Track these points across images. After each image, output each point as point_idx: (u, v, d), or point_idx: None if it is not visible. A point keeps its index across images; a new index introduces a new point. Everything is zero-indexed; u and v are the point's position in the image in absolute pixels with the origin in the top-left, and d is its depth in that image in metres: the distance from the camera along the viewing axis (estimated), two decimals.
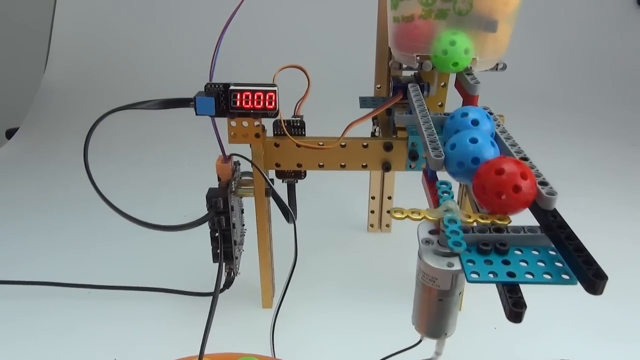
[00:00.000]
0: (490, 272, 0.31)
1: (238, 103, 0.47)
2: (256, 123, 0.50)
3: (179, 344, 0.58)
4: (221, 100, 0.48)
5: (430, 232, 0.36)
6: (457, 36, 0.48)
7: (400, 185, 0.77)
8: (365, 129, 0.64)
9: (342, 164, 0.55)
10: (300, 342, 0.58)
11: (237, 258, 0.57)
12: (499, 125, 0.43)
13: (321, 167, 0.55)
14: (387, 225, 0.81)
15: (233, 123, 0.50)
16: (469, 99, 0.50)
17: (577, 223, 0.86)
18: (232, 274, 0.57)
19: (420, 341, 0.41)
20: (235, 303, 0.64)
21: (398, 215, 0.33)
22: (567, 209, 0.88)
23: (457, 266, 0.33)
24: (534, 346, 0.57)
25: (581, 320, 0.61)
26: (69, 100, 1.44)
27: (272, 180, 0.56)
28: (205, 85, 0.48)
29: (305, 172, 0.57)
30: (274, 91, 0.47)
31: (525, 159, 0.37)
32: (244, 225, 0.63)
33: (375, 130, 0.62)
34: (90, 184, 0.52)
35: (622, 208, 0.88)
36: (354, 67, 1.20)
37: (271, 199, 0.57)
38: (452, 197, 0.34)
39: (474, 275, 0.31)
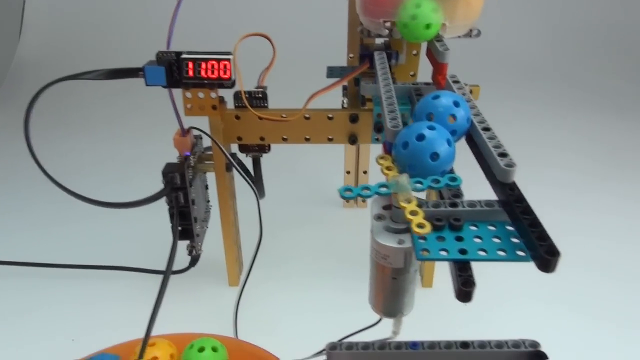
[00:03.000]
0: (441, 249, 0.29)
1: (191, 72, 0.44)
2: (212, 94, 0.47)
3: (142, 324, 0.56)
4: (174, 69, 0.45)
5: (384, 208, 0.34)
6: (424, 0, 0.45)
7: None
8: (335, 100, 0.62)
9: (307, 137, 0.52)
10: (264, 322, 0.56)
11: (198, 235, 0.55)
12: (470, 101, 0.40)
13: (285, 140, 0.53)
14: (364, 201, 0.79)
15: (188, 94, 0.48)
16: (438, 67, 0.48)
17: (557, 196, 0.84)
18: (194, 252, 0.55)
19: (379, 320, 0.40)
20: (202, 281, 0.62)
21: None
22: (547, 183, 0.87)
23: (408, 243, 0.31)
24: (504, 321, 0.56)
25: (551, 294, 0.60)
26: (42, 76, 1.39)
27: (233, 154, 0.54)
28: (157, 54, 0.45)
29: (269, 146, 0.55)
30: (229, 60, 0.44)
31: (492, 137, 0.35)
32: (209, 201, 0.61)
33: (343, 101, 0.60)
34: (48, 164, 0.49)
35: (607, 183, 0.87)
36: (326, 35, 1.16)
37: (236, 174, 0.55)
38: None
39: (424, 253, 0.29)
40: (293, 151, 0.57)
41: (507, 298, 0.59)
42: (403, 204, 0.28)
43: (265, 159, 0.58)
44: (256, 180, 0.59)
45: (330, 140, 0.52)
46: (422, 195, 0.33)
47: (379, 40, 0.58)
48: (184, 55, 0.44)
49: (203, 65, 0.44)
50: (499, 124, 1.17)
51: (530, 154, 0.94)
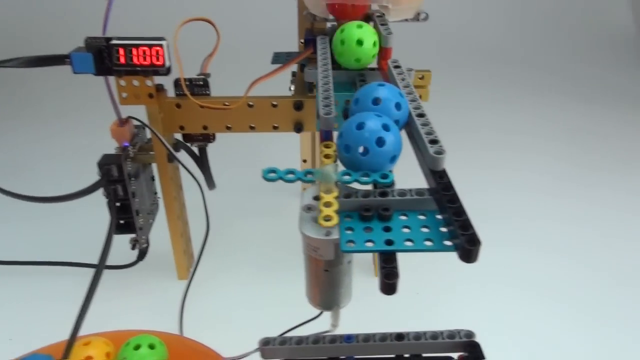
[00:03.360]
0: (368, 240, 0.28)
1: (122, 59, 0.42)
2: (148, 82, 0.45)
3: (85, 321, 0.54)
4: (104, 56, 0.43)
5: (315, 198, 0.33)
6: None
7: None
8: (285, 88, 0.60)
9: (252, 125, 0.51)
10: (212, 316, 0.55)
11: (142, 229, 0.53)
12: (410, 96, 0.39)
13: (229, 129, 0.51)
14: None
15: (122, 82, 0.45)
16: (382, 52, 0.47)
17: (519, 181, 0.83)
18: (138, 246, 0.53)
19: (320, 313, 0.39)
20: (151, 275, 0.60)
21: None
22: (509, 167, 0.87)
23: (336, 235, 0.30)
24: (453, 311, 0.56)
25: (505, 280, 0.61)
26: None
27: (179, 142, 0.52)
28: (85, 40, 0.43)
29: (214, 135, 0.53)
30: (161, 45, 0.42)
31: (426, 123, 0.34)
32: (156, 193, 0.58)
33: (290, 88, 0.58)
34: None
35: (567, 167, 0.87)
36: (278, 20, 1.13)
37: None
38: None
39: (350, 244, 0.28)
40: (252, 139, 0.56)
41: (460, 285, 0.59)
42: (322, 194, 0.27)
43: (221, 148, 0.56)
44: (204, 171, 0.57)
45: (275, 128, 0.51)
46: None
47: (330, 25, 0.56)
48: (114, 41, 0.42)
49: (134, 51, 0.42)
50: (460, 109, 1.17)
51: (492, 139, 0.95)
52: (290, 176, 0.29)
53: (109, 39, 0.42)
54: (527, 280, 0.61)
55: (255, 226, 0.71)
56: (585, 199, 0.77)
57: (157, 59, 0.42)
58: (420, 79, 0.56)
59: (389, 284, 0.26)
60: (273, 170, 0.29)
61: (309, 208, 0.32)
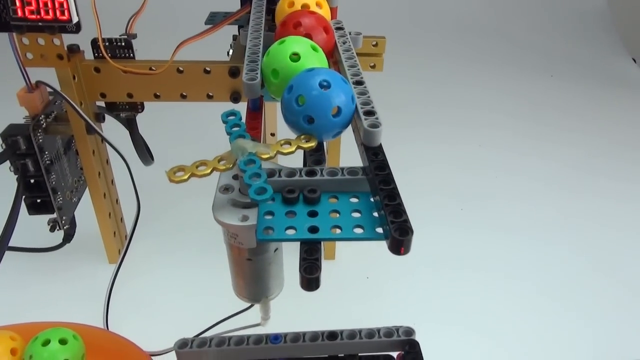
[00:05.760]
0: (289, 227, 0.24)
1: (19, 12, 0.36)
2: (55, 40, 0.39)
3: (1, 310, 0.49)
4: (0, 8, 0.36)
5: (234, 178, 0.28)
6: None
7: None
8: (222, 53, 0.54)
9: (183, 93, 0.45)
10: (140, 304, 0.51)
11: (61, 209, 0.47)
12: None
13: (157, 97, 0.45)
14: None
15: (25, 40, 0.39)
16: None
17: (477, 156, 0.80)
18: (58, 228, 0.48)
19: (251, 306, 0.35)
20: (79, 259, 0.55)
21: (179, 176, 0.24)
22: (461, 141, 0.83)
23: (253, 220, 0.26)
24: (403, 294, 0.54)
25: (461, 262, 0.58)
26: None
27: (97, 113, 0.46)
28: None
29: (142, 104, 0.47)
30: None
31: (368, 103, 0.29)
32: (82, 169, 0.53)
33: (228, 52, 0.53)
34: None
35: (526, 142, 0.85)
36: None
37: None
38: (245, 131, 0.26)
39: (268, 232, 0.24)
40: (205, 109, 0.49)
41: (410, 266, 0.56)
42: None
43: (167, 118, 0.50)
44: (136, 144, 0.52)
45: (210, 97, 0.46)
46: None
47: None
48: None
49: (34, 3, 0.36)
50: (429, 82, 1.12)
51: (452, 114, 0.91)
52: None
53: None
54: (484, 261, 0.58)
55: (197, 205, 0.66)
56: (546, 176, 0.75)
57: (62, 13, 0.36)
58: (373, 45, 0.52)
59: (309, 279, 0.22)
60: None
61: (226, 189, 0.27)
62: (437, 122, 0.88)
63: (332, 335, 0.29)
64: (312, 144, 0.25)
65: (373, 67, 0.53)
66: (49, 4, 0.36)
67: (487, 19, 1.38)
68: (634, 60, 1.21)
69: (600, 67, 1.17)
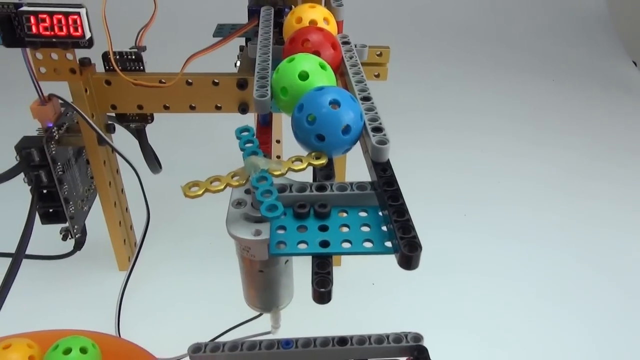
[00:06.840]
0: (301, 242, 0.25)
1: (34, 29, 0.37)
2: (68, 55, 0.40)
3: (9, 320, 0.50)
4: (15, 25, 0.37)
5: (247, 192, 0.29)
6: None
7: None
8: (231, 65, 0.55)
9: (192, 105, 0.46)
10: (151, 311, 0.52)
11: (73, 218, 0.48)
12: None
13: (167, 109, 0.46)
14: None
15: (39, 55, 0.40)
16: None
17: (477, 161, 0.81)
18: (69, 236, 0.49)
19: (260, 314, 0.36)
20: (90, 266, 0.56)
21: (194, 191, 0.26)
22: (473, 146, 0.84)
23: (266, 234, 0.27)
24: (409, 300, 0.54)
25: (466, 267, 0.59)
26: None
27: (108, 125, 0.47)
28: None
29: (152, 116, 0.48)
30: (78, 13, 0.37)
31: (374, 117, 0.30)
32: (92, 178, 0.54)
33: (236, 64, 0.54)
34: None
35: (527, 147, 0.85)
36: None
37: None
38: (258, 147, 0.27)
39: (280, 246, 0.24)
40: (211, 118, 0.50)
41: (417, 275, 0.57)
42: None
43: (176, 127, 0.51)
44: (145, 154, 0.53)
45: (218, 108, 0.47)
46: None
47: None
48: (24, 8, 0.37)
49: (48, 20, 0.37)
50: (431, 87, 1.12)
51: (454, 119, 0.92)
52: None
53: (19, 4, 0.37)
54: (488, 266, 0.59)
55: (206, 212, 0.67)
56: (549, 180, 0.76)
57: (76, 29, 0.37)
58: (378, 55, 0.52)
59: (321, 293, 0.23)
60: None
61: (239, 203, 0.28)
62: (439, 127, 0.89)
63: (343, 340, 0.30)
64: (323, 161, 0.26)
65: (377, 76, 0.54)
66: (63, 21, 0.37)
67: (488, 24, 1.38)
68: (635, 64, 1.22)
69: (600, 71, 1.17)
